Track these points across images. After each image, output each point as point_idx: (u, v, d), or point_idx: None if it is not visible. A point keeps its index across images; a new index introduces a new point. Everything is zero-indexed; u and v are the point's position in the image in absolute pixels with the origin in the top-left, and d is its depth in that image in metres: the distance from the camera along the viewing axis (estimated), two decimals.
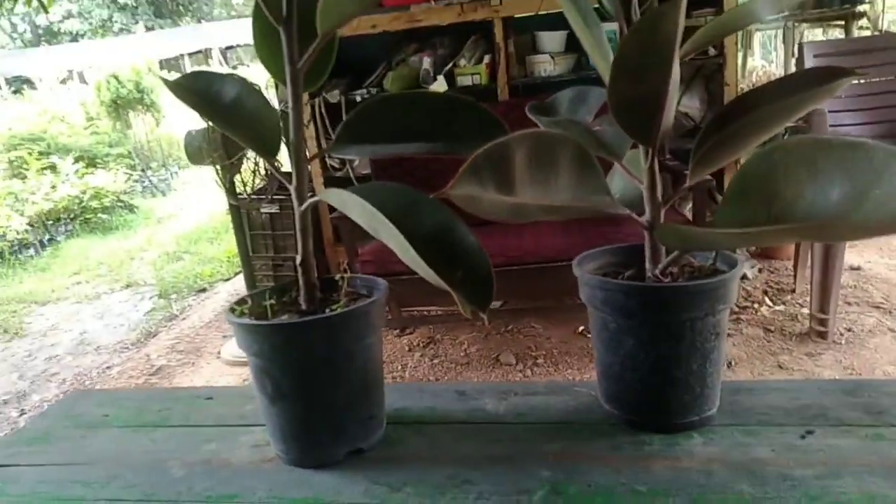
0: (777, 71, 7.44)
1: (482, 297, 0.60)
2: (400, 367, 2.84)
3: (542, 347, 2.84)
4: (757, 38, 9.01)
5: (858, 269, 3.27)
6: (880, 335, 2.60)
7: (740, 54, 8.26)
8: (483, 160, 0.58)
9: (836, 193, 0.50)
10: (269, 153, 0.74)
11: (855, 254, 3.42)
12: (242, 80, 0.77)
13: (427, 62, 3.49)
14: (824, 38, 9.36)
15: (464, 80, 3.40)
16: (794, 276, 3.11)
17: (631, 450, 0.64)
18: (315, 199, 0.69)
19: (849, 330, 2.65)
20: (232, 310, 0.69)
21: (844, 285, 2.95)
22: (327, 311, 0.68)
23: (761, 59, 9.34)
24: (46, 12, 6.13)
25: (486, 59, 3.38)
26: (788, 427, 0.65)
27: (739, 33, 8.39)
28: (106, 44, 18.24)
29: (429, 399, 0.77)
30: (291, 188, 0.72)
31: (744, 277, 3.29)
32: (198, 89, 0.78)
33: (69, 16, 21.19)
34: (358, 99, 3.49)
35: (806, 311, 2.76)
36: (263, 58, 0.73)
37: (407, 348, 3.00)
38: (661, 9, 0.57)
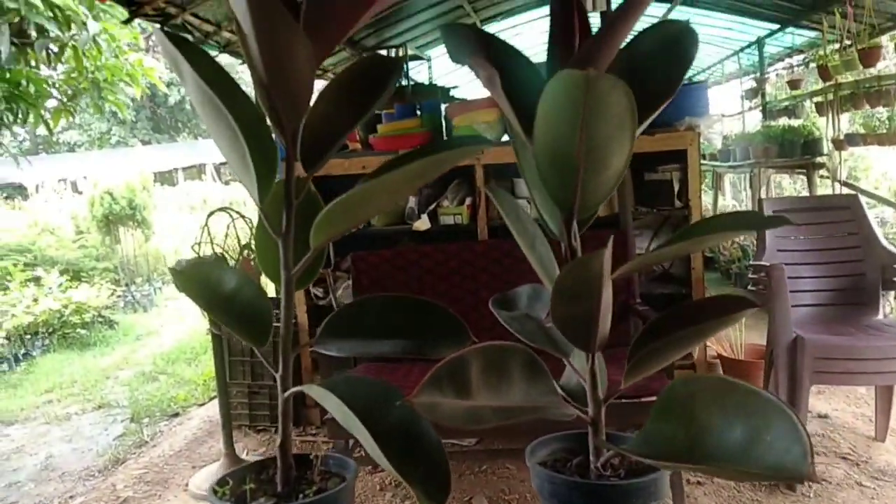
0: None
1: (440, 494, 0.68)
2: None
3: (515, 490, 2.83)
4: (728, 178, 9.54)
5: (826, 417, 3.34)
6: (847, 488, 2.63)
7: (710, 194, 8.72)
8: (444, 372, 0.68)
9: (738, 431, 0.60)
10: (260, 343, 0.83)
11: (822, 401, 3.50)
12: (243, 274, 0.88)
13: (413, 201, 3.70)
14: (790, 182, 9.89)
15: (446, 220, 3.59)
16: None
17: None
18: (297, 389, 0.78)
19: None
20: (214, 491, 0.75)
21: (812, 433, 3.01)
22: (300, 496, 0.75)
23: (732, 198, 9.84)
24: (51, 133, 6.41)
25: (468, 201, 3.58)
26: None
27: (710, 175, 8.88)
28: (102, 155, 18.79)
29: None
30: (277, 376, 0.80)
31: None
32: (198, 277, 0.88)
33: (69, 127, 21.93)
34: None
35: None
36: (263, 263, 0.84)
37: (378, 487, 2.97)
38: (590, 256, 0.69)
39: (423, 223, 3.55)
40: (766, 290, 2.86)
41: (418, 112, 3.94)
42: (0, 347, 5.56)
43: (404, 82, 6.88)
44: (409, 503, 2.84)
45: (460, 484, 2.94)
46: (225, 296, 0.85)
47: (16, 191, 14.92)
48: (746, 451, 0.58)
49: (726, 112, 9.74)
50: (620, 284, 3.25)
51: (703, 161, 8.70)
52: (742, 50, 8.24)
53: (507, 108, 0.76)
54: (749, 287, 3.14)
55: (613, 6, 3.23)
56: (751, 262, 3.25)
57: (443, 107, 3.88)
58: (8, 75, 4.55)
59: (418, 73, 8.03)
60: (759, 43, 7.58)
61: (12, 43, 3.95)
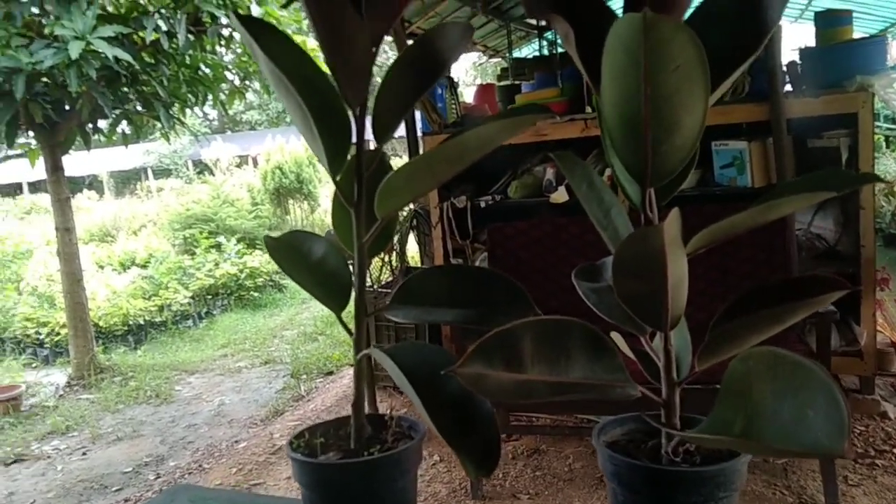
0: None
1: (487, 466, 0.68)
2: (501, 476, 2.85)
3: None
4: None
5: None
6: None
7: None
8: (492, 343, 0.68)
9: (786, 407, 0.55)
10: (339, 308, 0.88)
11: None
12: (330, 243, 0.93)
13: (550, 173, 3.64)
14: None
15: None
16: None
17: None
18: (366, 352, 0.81)
19: None
20: (291, 443, 0.81)
21: None
22: (365, 453, 0.79)
23: None
24: (226, 112, 7.01)
25: (607, 171, 3.46)
26: None
27: None
28: (278, 133, 20.35)
29: None
30: (352, 339, 0.85)
31: (884, 416, 3.01)
32: (292, 245, 0.94)
33: (251, 107, 23.92)
34: (482, 205, 3.68)
35: None
36: (338, 230, 0.88)
37: (510, 456, 3.01)
38: (650, 229, 0.65)
39: (560, 195, 3.49)
40: None
41: (559, 81, 3.86)
42: (187, 306, 6.26)
43: (552, 51, 6.72)
44: (539, 474, 2.86)
45: (592, 460, 2.90)
46: (312, 264, 0.90)
47: (206, 166, 16.54)
48: (792, 428, 0.53)
49: None
50: (777, 261, 2.99)
51: (892, 126, 7.71)
52: None
53: (582, 68, 0.73)
54: None
55: None
56: None
57: None
58: (188, 61, 5.03)
59: None
60: None
61: (189, 31, 4.37)
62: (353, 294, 0.86)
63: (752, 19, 0.68)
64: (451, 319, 0.79)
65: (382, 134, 0.79)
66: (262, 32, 0.74)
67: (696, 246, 0.71)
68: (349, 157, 0.82)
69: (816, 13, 3.34)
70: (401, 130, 4.27)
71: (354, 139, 0.81)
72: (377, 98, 0.77)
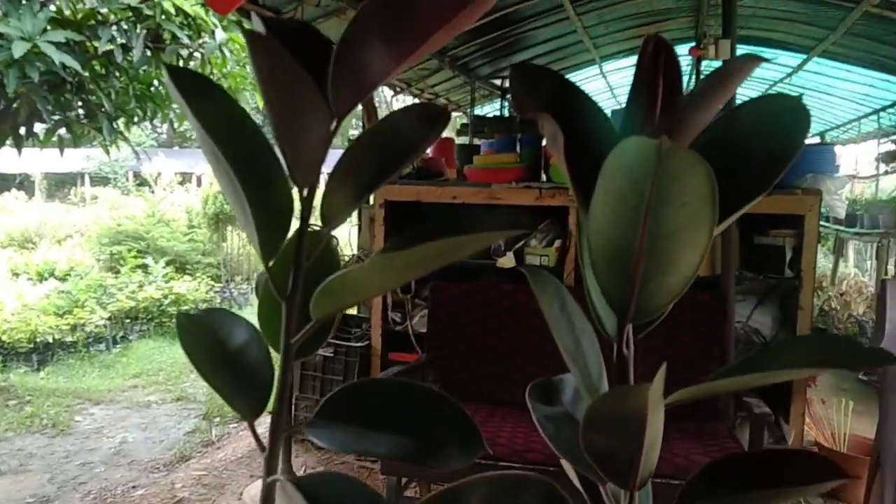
0: (869, 282, 7.20)
1: None
2: None
3: None
4: (852, 245, 8.80)
5: None
6: None
7: (831, 259, 8.06)
8: None
9: None
10: (252, 415, 0.74)
11: None
12: (254, 330, 0.80)
13: None
14: None
15: (532, 260, 3.46)
16: None
17: None
18: (275, 478, 0.68)
19: None
20: None
21: None
22: None
23: (855, 266, 9.05)
24: (174, 129, 6.76)
25: (557, 243, 3.43)
26: None
27: (832, 239, 8.22)
28: None
29: None
30: (263, 457, 0.71)
31: None
32: (207, 328, 0.81)
33: None
34: None
35: None
36: (263, 323, 0.76)
37: None
38: (633, 389, 0.55)
39: (508, 261, 3.43)
40: (879, 382, 2.54)
41: (518, 146, 3.85)
42: (102, 328, 5.87)
43: (513, 113, 6.80)
44: None
45: None
46: (227, 354, 0.77)
47: (146, 180, 15.97)
48: None
49: (858, 174, 9.01)
50: (714, 352, 2.98)
51: (825, 224, 8.09)
52: (883, 109, 7.60)
53: (566, 175, 0.64)
54: (860, 377, 2.80)
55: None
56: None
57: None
58: (142, 75, 4.84)
59: None
60: None
61: (146, 47, 4.19)
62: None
63: (769, 148, 0.60)
64: (386, 451, 0.67)
65: (332, 219, 0.68)
66: (197, 90, 0.62)
67: (675, 400, 0.62)
68: (287, 239, 0.70)
69: None
70: None
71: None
72: (330, 180, 0.67)
